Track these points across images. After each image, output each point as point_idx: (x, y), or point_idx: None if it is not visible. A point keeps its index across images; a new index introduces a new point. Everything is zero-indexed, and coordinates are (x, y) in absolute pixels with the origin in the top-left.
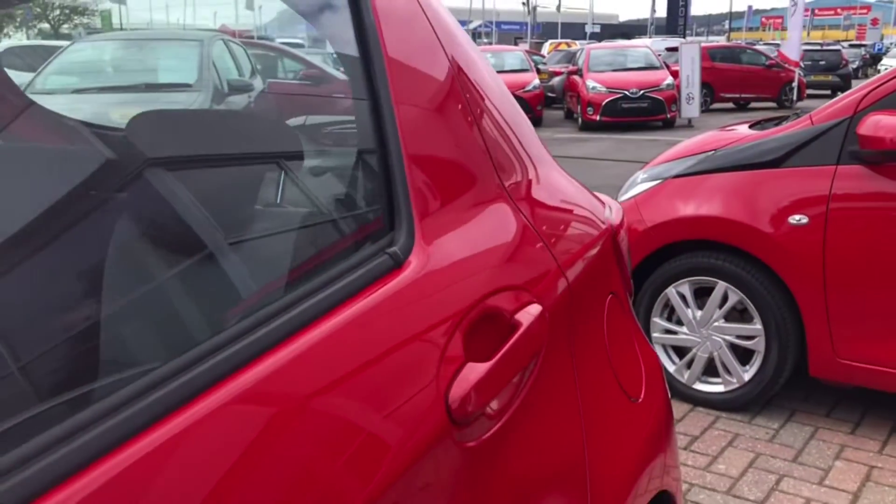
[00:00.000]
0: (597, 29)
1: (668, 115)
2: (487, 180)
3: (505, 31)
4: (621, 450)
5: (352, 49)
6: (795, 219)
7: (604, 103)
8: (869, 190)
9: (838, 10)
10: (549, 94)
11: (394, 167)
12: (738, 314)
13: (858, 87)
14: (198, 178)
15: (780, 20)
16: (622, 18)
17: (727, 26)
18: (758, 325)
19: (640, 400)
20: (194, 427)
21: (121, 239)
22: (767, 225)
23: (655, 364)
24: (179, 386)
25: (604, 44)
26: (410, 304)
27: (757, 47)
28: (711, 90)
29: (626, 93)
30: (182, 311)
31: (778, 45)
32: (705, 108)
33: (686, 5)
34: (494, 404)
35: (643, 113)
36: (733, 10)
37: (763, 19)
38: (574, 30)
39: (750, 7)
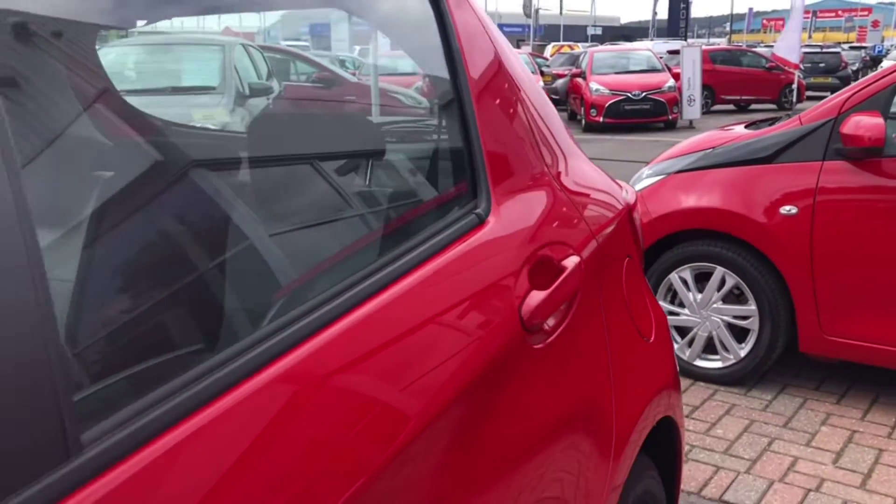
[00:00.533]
0: (598, 31)
1: (670, 117)
2: (536, 165)
3: (507, 34)
4: (636, 374)
5: (443, 71)
6: (786, 209)
7: (607, 105)
8: (851, 184)
9: (839, 12)
10: (553, 97)
11: (476, 155)
12: (734, 296)
13: (842, 90)
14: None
15: (781, 22)
16: (623, 20)
17: (728, 28)
18: (752, 307)
19: (651, 340)
20: (355, 328)
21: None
22: (761, 215)
23: (662, 317)
24: (366, 287)
25: (606, 47)
26: (493, 249)
27: (757, 50)
28: (712, 92)
29: (629, 95)
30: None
31: None
32: (706, 110)
33: (687, 8)
34: (550, 321)
35: (645, 115)
36: (734, 12)
37: (764, 21)
38: (576, 32)
39: (751, 9)
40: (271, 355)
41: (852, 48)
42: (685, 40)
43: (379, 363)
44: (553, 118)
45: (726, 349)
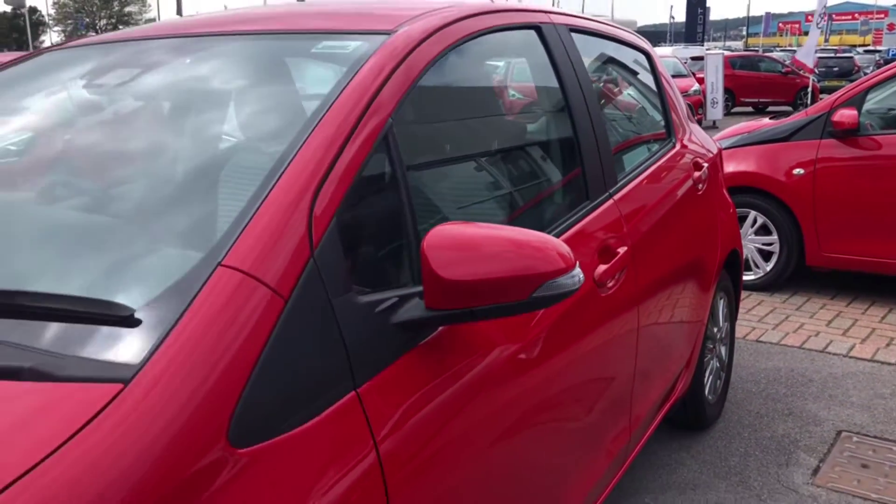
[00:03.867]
0: None
1: (696, 118)
2: (683, 124)
3: None
4: (725, 224)
5: (654, 87)
6: (797, 171)
7: None
8: (838, 154)
9: (855, 15)
10: None
11: (670, 120)
12: (763, 230)
13: (834, 93)
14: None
15: (797, 25)
16: (640, 24)
17: (745, 31)
18: (775, 237)
19: (731, 212)
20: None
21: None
22: (781, 176)
23: (732, 204)
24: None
25: None
26: (681, 156)
27: (773, 55)
28: (732, 95)
29: None
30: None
31: (794, 51)
32: (727, 112)
33: (705, 13)
34: (700, 186)
35: None
36: (751, 14)
37: (780, 24)
38: None
39: (768, 13)
40: (633, 175)
41: (867, 52)
42: (703, 45)
43: (662, 191)
44: (683, 103)
45: (757, 266)
